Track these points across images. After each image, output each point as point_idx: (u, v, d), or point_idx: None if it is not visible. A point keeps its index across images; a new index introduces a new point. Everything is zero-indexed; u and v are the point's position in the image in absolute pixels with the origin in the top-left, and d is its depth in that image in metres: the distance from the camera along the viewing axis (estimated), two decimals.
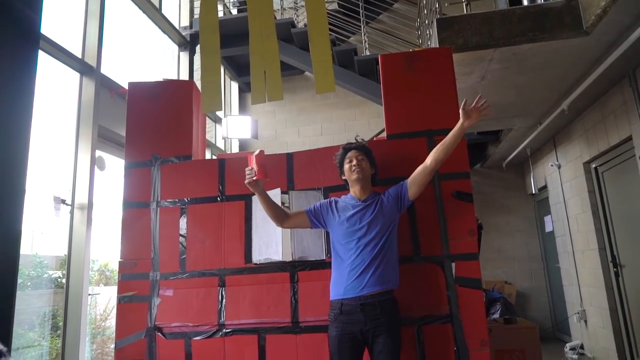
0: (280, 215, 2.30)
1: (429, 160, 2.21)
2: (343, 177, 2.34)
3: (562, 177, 5.56)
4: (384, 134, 2.65)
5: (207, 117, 3.67)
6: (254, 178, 2.17)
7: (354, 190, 2.29)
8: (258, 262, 2.60)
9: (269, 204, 2.27)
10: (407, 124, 2.62)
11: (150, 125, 2.86)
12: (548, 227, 6.36)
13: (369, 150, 2.35)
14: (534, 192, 6.28)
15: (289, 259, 2.57)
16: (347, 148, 2.33)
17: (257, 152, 2.22)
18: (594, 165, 4.82)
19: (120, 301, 2.63)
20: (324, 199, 2.56)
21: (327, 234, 2.49)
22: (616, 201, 4.52)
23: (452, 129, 2.44)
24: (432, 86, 2.62)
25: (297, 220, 2.33)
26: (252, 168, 2.18)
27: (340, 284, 2.13)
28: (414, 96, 2.64)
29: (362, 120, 6.79)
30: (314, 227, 2.34)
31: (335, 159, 2.38)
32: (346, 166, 2.28)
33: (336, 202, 2.30)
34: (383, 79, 2.69)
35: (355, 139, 2.47)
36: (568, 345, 5.41)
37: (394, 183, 2.45)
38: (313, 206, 2.34)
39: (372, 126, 6.58)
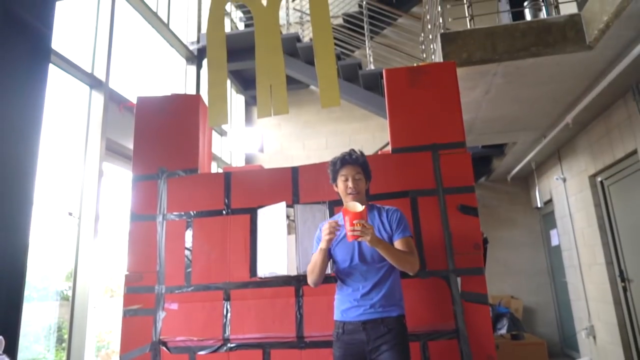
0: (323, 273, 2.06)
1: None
2: (335, 188, 2.16)
3: (567, 191, 5.53)
4: (389, 148, 2.68)
5: (213, 131, 3.69)
6: (353, 236, 1.82)
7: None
8: (263, 276, 2.59)
9: (325, 264, 2.03)
10: (412, 137, 2.63)
11: (158, 139, 2.89)
12: (554, 241, 6.31)
13: (366, 164, 2.13)
14: (539, 205, 6.25)
15: (294, 273, 2.55)
16: (343, 161, 2.10)
17: (360, 207, 1.87)
18: (599, 179, 4.80)
19: (125, 314, 2.64)
20: (329, 212, 2.58)
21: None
22: (623, 215, 4.49)
23: (457, 142, 2.52)
24: (436, 100, 2.64)
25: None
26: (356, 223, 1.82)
27: (342, 306, 2.03)
28: (418, 110, 2.66)
29: (367, 134, 6.83)
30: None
31: (328, 168, 2.17)
32: (340, 184, 2.09)
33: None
34: (388, 93, 2.72)
35: (350, 153, 2.14)
36: None
37: (397, 198, 2.49)
38: (317, 240, 2.12)
39: (377, 140, 6.61)
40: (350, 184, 2.05)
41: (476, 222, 2.46)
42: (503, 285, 6.52)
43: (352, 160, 2.09)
